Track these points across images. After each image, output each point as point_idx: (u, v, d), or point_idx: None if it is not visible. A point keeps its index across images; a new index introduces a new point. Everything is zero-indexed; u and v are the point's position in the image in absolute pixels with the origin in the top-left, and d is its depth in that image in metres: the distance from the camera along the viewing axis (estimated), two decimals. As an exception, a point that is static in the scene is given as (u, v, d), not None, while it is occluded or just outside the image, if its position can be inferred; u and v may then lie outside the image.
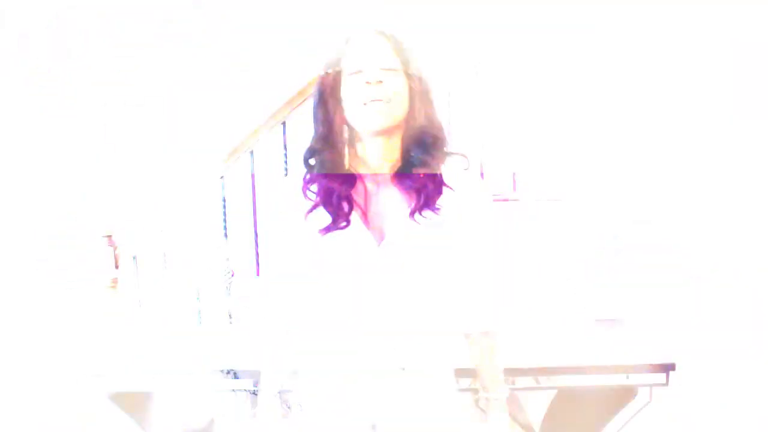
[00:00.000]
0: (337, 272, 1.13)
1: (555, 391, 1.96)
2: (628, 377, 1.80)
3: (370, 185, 1.15)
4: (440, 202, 1.12)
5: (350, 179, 1.14)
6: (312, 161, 1.16)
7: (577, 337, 2.02)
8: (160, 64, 2.83)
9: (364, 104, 1.10)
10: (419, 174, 1.13)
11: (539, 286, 2.20)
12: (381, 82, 1.09)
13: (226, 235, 2.20)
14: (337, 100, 1.13)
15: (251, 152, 2.14)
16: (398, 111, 1.12)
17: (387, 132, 1.12)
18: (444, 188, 1.12)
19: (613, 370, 1.81)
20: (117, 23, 2.82)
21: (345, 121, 1.14)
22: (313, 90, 1.17)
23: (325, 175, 1.14)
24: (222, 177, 2.16)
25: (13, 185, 2.95)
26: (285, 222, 1.18)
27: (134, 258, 2.21)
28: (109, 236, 2.19)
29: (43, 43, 2.84)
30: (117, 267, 2.19)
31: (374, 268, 1.11)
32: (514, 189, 2.19)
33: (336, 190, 1.12)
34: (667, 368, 1.75)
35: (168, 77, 2.84)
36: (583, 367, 1.81)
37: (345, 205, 1.11)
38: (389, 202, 1.14)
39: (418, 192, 1.12)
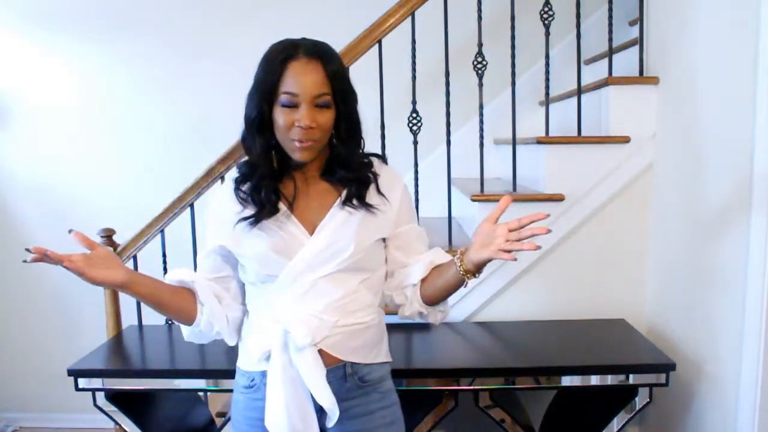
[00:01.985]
0: (273, 261, 1.19)
1: (555, 391, 1.96)
2: (628, 377, 1.80)
3: (300, 184, 1.25)
4: (368, 193, 1.23)
5: (275, 174, 1.23)
6: (246, 172, 1.24)
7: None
8: (160, 63, 2.83)
9: (293, 141, 1.17)
10: (345, 173, 1.23)
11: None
12: (313, 128, 1.15)
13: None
14: (271, 123, 1.19)
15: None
16: (324, 141, 1.21)
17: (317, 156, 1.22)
18: (370, 180, 1.24)
19: (613, 370, 1.81)
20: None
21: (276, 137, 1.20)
22: (247, 109, 1.21)
23: (255, 175, 1.22)
24: (222, 177, 2.16)
25: (13, 185, 2.95)
26: (218, 223, 1.26)
27: (134, 258, 2.21)
28: (109, 236, 2.19)
29: (44, 42, 2.85)
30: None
31: (307, 255, 1.19)
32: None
33: (263, 184, 1.21)
34: (667, 368, 1.75)
35: (169, 77, 2.84)
36: (583, 367, 1.81)
37: (272, 197, 1.21)
38: (319, 196, 1.24)
39: (347, 185, 1.22)
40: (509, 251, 1.10)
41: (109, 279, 1.11)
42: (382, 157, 1.33)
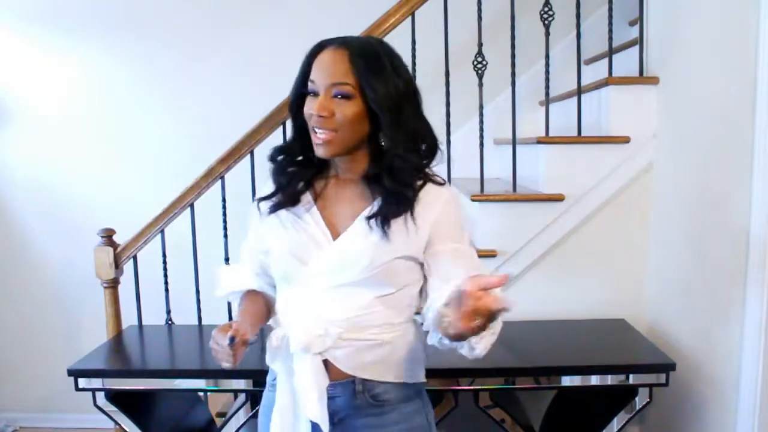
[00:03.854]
0: (289, 262, 1.17)
1: (555, 391, 1.96)
2: (628, 377, 1.80)
3: (333, 182, 1.21)
4: (399, 217, 1.13)
5: (309, 164, 1.20)
6: (275, 154, 1.22)
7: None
8: (161, 64, 2.83)
9: (313, 132, 1.13)
10: (388, 184, 1.14)
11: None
12: (328, 116, 1.10)
13: (225, 236, 2.20)
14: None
15: (251, 152, 2.14)
16: (348, 137, 1.13)
17: (342, 155, 1.16)
18: (408, 202, 1.13)
19: (613, 370, 1.81)
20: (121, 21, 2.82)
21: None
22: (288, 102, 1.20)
23: (285, 158, 1.21)
24: (222, 177, 2.16)
25: (13, 185, 2.95)
26: (255, 214, 1.24)
27: (134, 258, 2.21)
28: (109, 236, 2.19)
29: (44, 42, 2.85)
30: (117, 267, 2.18)
31: (322, 262, 1.15)
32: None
33: (290, 169, 1.19)
34: (667, 368, 1.75)
35: (169, 78, 2.84)
36: (583, 367, 1.81)
37: (297, 183, 1.18)
38: (351, 201, 1.19)
39: (380, 200, 1.15)
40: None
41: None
42: (442, 183, 1.20)
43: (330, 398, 1.15)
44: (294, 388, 1.15)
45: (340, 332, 1.13)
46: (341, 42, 1.13)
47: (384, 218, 1.12)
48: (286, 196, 1.18)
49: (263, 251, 1.23)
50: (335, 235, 1.16)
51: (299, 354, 1.13)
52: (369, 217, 1.13)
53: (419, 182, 1.16)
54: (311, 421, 1.14)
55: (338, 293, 1.14)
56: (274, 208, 1.19)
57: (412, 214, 1.14)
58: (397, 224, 1.13)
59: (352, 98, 1.10)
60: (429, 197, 1.16)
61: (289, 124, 1.26)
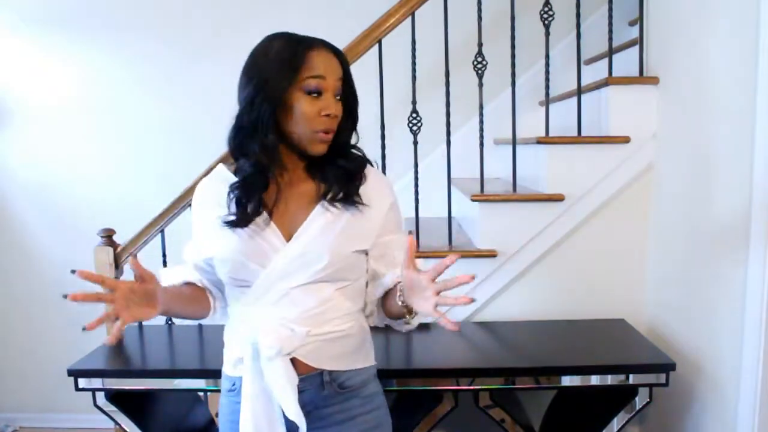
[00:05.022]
0: (246, 268, 1.16)
1: (555, 391, 1.96)
2: (628, 377, 1.80)
3: (283, 186, 1.20)
4: (357, 192, 1.19)
5: (266, 183, 1.18)
6: (246, 166, 1.17)
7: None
8: (161, 63, 2.83)
9: (318, 132, 1.13)
10: (335, 167, 1.19)
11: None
12: (337, 116, 1.14)
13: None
14: (290, 111, 1.13)
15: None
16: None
17: None
18: (360, 176, 1.21)
19: (613, 370, 1.81)
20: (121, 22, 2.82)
21: (289, 130, 1.15)
22: (252, 106, 1.12)
23: (252, 183, 1.16)
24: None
25: (13, 185, 2.95)
26: (202, 218, 1.22)
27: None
28: (109, 236, 2.19)
29: (44, 42, 2.85)
30: (117, 267, 2.18)
31: (280, 264, 1.15)
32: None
33: (254, 194, 1.15)
34: (667, 368, 1.75)
35: (169, 77, 2.84)
36: (583, 367, 1.81)
37: (258, 209, 1.15)
38: (299, 198, 1.20)
39: (332, 184, 1.18)
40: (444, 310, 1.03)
41: (145, 317, 1.09)
42: (369, 162, 1.28)
43: (299, 392, 1.15)
44: (265, 391, 1.15)
45: (308, 330, 1.16)
46: (326, 44, 1.16)
47: (347, 195, 1.17)
48: (240, 218, 1.15)
49: (207, 256, 1.21)
50: (287, 235, 1.17)
51: (267, 358, 1.13)
52: (330, 200, 1.17)
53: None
54: (285, 421, 1.15)
55: (300, 291, 1.16)
56: (230, 225, 1.15)
57: (359, 196, 1.19)
58: (353, 217, 1.18)
59: (340, 98, 1.16)
60: (373, 178, 1.23)
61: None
